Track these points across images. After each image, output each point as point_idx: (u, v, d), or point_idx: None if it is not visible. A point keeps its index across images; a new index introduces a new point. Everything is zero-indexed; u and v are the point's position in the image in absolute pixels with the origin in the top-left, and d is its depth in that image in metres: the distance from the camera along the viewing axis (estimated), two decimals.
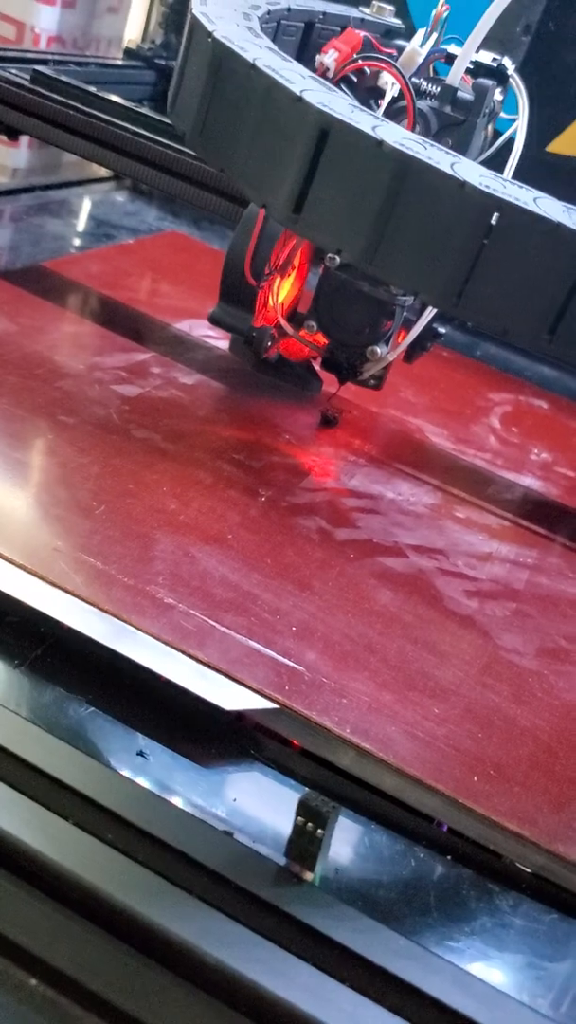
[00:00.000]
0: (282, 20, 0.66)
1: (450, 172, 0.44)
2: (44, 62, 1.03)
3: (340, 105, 0.47)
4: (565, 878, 0.46)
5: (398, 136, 0.46)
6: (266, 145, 0.49)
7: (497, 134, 0.79)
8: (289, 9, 0.66)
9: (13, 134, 0.90)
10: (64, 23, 1.33)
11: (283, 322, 0.73)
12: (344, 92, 0.61)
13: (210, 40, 0.52)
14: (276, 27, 0.65)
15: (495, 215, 0.44)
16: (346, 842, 0.46)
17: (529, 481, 0.83)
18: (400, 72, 0.65)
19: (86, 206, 1.21)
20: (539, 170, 1.23)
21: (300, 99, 0.47)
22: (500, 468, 0.84)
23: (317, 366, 0.79)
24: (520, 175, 1.20)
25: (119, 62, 1.28)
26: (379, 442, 0.81)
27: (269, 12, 0.63)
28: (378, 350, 0.71)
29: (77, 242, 1.08)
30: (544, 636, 0.63)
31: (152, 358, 0.81)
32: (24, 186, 1.20)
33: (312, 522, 0.66)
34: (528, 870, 0.47)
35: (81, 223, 1.15)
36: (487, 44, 1.08)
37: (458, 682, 0.55)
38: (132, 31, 1.45)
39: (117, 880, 0.40)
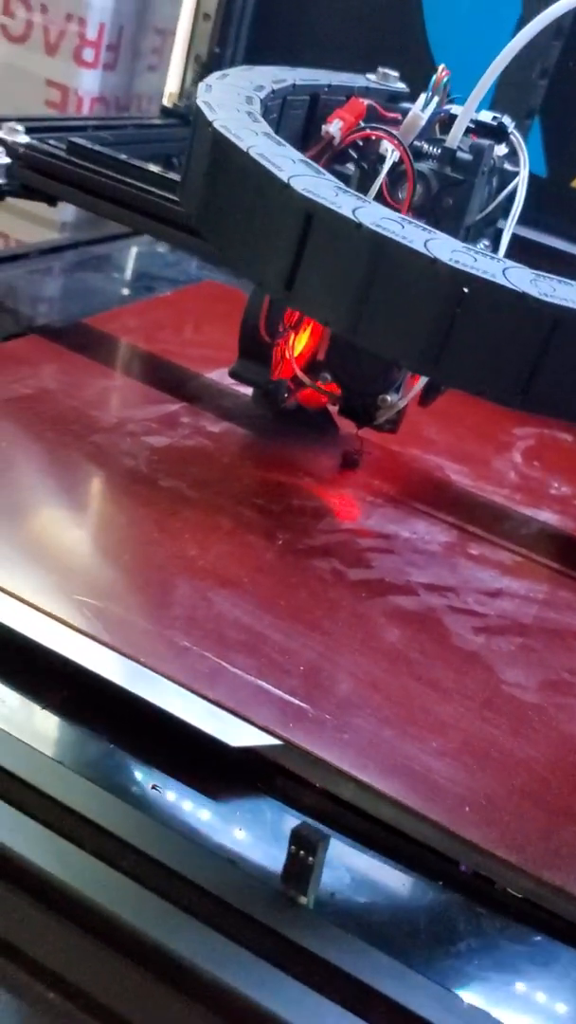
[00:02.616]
0: (288, 96, 0.71)
1: (422, 250, 0.48)
2: (83, 128, 1.09)
3: (325, 190, 0.52)
4: (552, 902, 0.49)
5: (377, 217, 0.50)
6: (259, 227, 0.53)
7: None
8: (294, 85, 0.71)
9: (52, 201, 0.97)
10: (106, 84, 1.40)
11: (299, 374, 0.77)
12: (334, 169, 0.66)
13: (210, 129, 0.57)
14: (282, 103, 0.70)
15: (465, 288, 0.48)
16: (344, 868, 0.50)
17: (547, 516, 0.86)
18: (398, 139, 0.69)
19: (128, 259, 1.27)
20: (565, 205, 1.27)
21: (287, 185, 0.51)
22: (518, 504, 0.87)
23: (335, 413, 0.83)
24: (547, 212, 1.23)
25: (156, 121, 1.34)
26: (398, 482, 0.85)
27: (274, 91, 0.68)
28: (389, 398, 0.75)
29: (117, 296, 1.14)
30: (548, 669, 0.65)
31: (182, 408, 0.86)
32: (69, 242, 1.26)
33: (327, 563, 0.70)
34: (518, 895, 0.50)
35: (122, 277, 1.22)
36: (503, 91, 1.12)
37: (458, 716, 0.59)
38: (173, 84, 1.52)
39: (127, 903, 0.44)
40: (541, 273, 0.50)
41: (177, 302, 1.13)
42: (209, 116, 0.57)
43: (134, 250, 1.30)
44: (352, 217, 0.50)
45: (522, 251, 1.17)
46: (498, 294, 0.48)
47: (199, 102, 0.60)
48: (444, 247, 0.49)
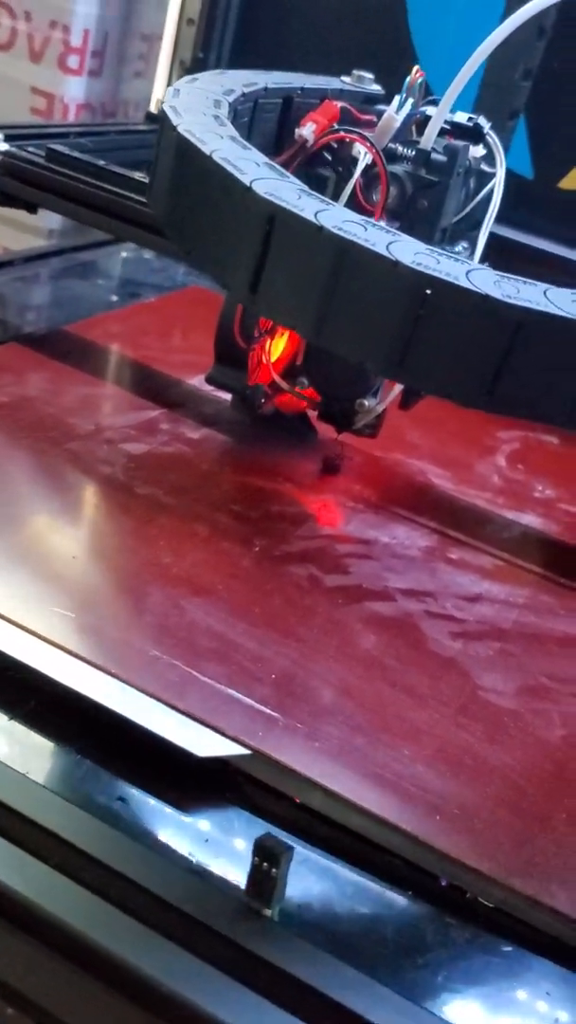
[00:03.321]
0: (259, 99, 0.70)
1: (384, 253, 0.48)
2: (64, 135, 1.09)
3: (287, 193, 0.51)
4: (523, 911, 0.49)
5: (339, 220, 0.50)
6: (224, 231, 0.53)
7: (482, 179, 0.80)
8: (266, 88, 0.71)
9: (32, 208, 0.96)
10: (92, 91, 1.40)
11: (277, 379, 0.76)
12: (314, 172, 0.65)
13: (174, 133, 0.56)
14: (253, 107, 0.70)
15: (428, 290, 0.48)
16: (313, 878, 0.49)
17: (529, 519, 0.85)
18: (371, 142, 0.69)
19: (113, 265, 1.27)
20: (552, 207, 1.26)
21: (249, 189, 0.51)
22: (500, 507, 0.86)
23: (314, 418, 0.82)
24: (533, 213, 1.23)
25: (141, 127, 1.34)
26: (379, 487, 0.84)
27: (244, 95, 0.67)
28: (367, 403, 0.74)
29: (102, 303, 1.13)
30: (526, 674, 0.65)
31: (162, 414, 0.86)
32: (55, 249, 1.26)
33: (303, 570, 0.69)
34: (489, 904, 0.49)
35: (107, 283, 1.21)
36: (486, 92, 1.11)
37: (432, 723, 0.58)
38: (160, 90, 1.52)
39: (88, 917, 0.44)
40: (505, 275, 0.50)
41: (161, 308, 1.13)
42: (174, 120, 0.57)
43: (120, 256, 1.29)
44: (314, 220, 0.49)
45: (509, 254, 1.17)
46: (461, 296, 0.47)
47: (165, 106, 0.59)
48: (407, 249, 0.49)
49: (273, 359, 0.77)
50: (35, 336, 0.97)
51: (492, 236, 0.79)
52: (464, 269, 0.48)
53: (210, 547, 0.69)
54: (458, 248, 0.78)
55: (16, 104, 1.38)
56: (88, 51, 1.35)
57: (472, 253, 0.77)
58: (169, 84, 1.42)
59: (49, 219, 1.38)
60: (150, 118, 1.37)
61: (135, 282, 1.21)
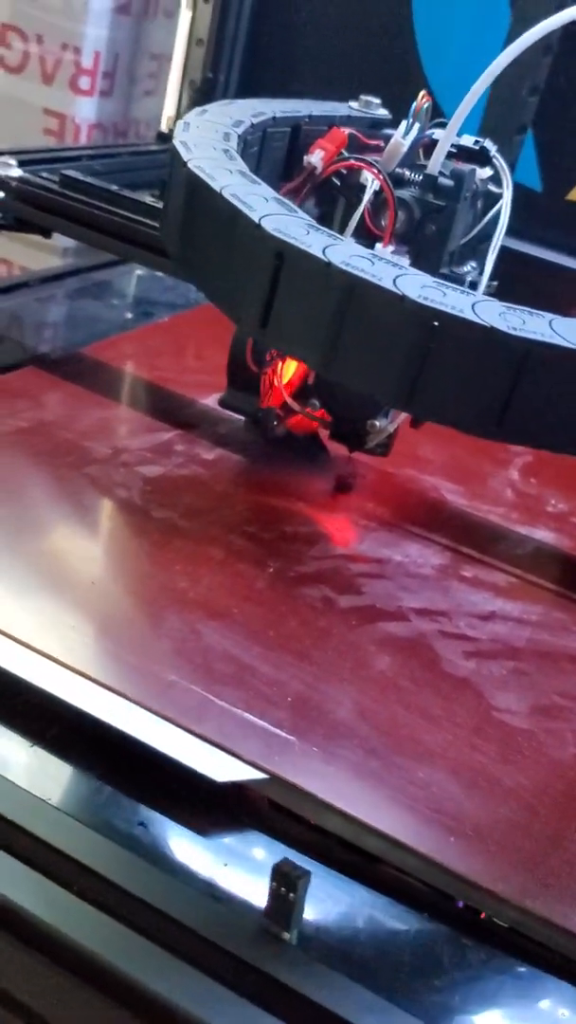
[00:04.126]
0: (268, 128, 0.71)
1: (391, 288, 0.49)
2: (77, 159, 1.10)
3: (295, 229, 0.52)
4: (537, 932, 0.49)
5: (346, 255, 0.51)
6: (234, 267, 0.54)
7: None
8: (274, 118, 0.72)
9: (47, 233, 0.98)
10: (103, 111, 1.41)
11: (289, 401, 0.77)
12: (316, 197, 0.66)
13: (185, 169, 0.57)
14: (263, 136, 0.71)
15: (435, 323, 0.49)
16: (331, 901, 0.50)
17: (542, 534, 0.86)
18: (378, 168, 0.70)
19: (127, 285, 1.28)
20: (561, 219, 1.27)
21: (258, 225, 0.52)
22: (513, 523, 0.87)
23: (326, 438, 0.83)
24: (544, 226, 1.23)
25: (152, 147, 1.35)
26: (392, 504, 0.85)
27: (253, 125, 0.68)
28: (378, 423, 0.75)
29: (116, 323, 1.15)
30: (539, 693, 0.66)
31: (177, 436, 0.87)
32: (70, 269, 1.28)
33: (317, 591, 0.70)
34: (504, 924, 0.50)
35: (121, 303, 1.23)
36: (493, 108, 1.12)
37: (446, 745, 0.59)
38: (170, 109, 1.53)
39: (109, 942, 0.45)
40: (511, 306, 0.51)
41: (174, 328, 1.14)
42: (184, 156, 0.58)
43: (134, 275, 1.31)
44: (322, 256, 0.50)
45: (522, 267, 1.18)
46: (467, 329, 0.48)
47: (176, 142, 0.60)
48: (413, 283, 0.50)
49: (285, 381, 0.78)
50: (50, 359, 0.99)
51: (501, 249, 0.80)
52: (470, 301, 0.49)
53: (225, 570, 0.70)
54: (466, 268, 0.78)
55: (29, 125, 1.40)
56: (99, 72, 1.37)
57: (481, 273, 0.78)
58: (179, 103, 1.43)
59: (64, 239, 1.39)
60: (160, 137, 1.39)
61: (149, 301, 1.23)
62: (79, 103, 1.37)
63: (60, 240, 1.40)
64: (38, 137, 1.39)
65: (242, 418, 0.89)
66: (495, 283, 0.79)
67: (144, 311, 1.20)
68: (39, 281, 1.21)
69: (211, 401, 0.94)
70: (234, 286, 0.55)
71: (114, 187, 0.94)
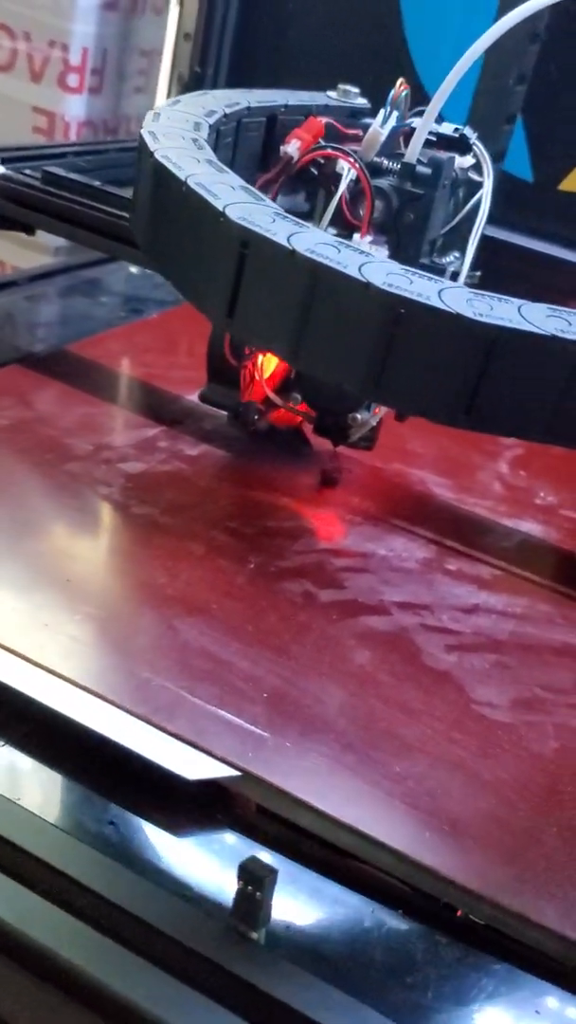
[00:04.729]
0: (243, 119, 0.71)
1: (356, 275, 0.48)
2: (62, 155, 1.10)
3: (261, 217, 0.52)
4: (512, 928, 0.49)
5: (312, 243, 0.50)
6: (200, 256, 0.53)
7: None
8: (249, 108, 0.71)
9: (30, 230, 0.97)
10: (92, 108, 1.41)
11: (271, 395, 0.77)
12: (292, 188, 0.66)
13: (151, 159, 0.57)
14: (237, 126, 0.70)
15: (401, 310, 0.48)
16: (303, 898, 0.49)
17: (529, 527, 0.85)
18: (354, 157, 0.69)
19: (116, 282, 1.27)
20: (554, 208, 1.26)
21: (223, 214, 0.51)
22: (500, 515, 0.86)
23: (309, 432, 0.83)
24: (537, 215, 1.22)
25: None
26: (378, 498, 0.84)
27: (226, 115, 0.68)
28: (360, 416, 0.74)
29: (104, 320, 1.14)
30: (521, 687, 0.65)
31: (161, 432, 0.86)
32: (60, 267, 1.27)
33: (298, 586, 0.70)
34: (480, 921, 0.49)
35: (110, 300, 1.22)
36: (481, 98, 1.11)
37: (425, 739, 0.58)
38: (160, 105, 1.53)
39: (74, 943, 0.44)
40: (479, 292, 0.50)
41: (162, 324, 1.14)
42: (151, 146, 0.58)
43: (124, 272, 1.30)
44: (286, 244, 0.49)
45: (513, 258, 1.17)
46: (433, 316, 0.47)
47: (143, 132, 0.60)
48: (379, 271, 0.49)
49: (266, 375, 0.77)
50: (38, 356, 0.98)
51: (493, 240, 0.79)
52: (437, 288, 0.49)
53: (205, 565, 0.69)
54: (449, 258, 0.78)
55: (18, 124, 1.39)
56: (87, 69, 1.37)
57: (463, 262, 0.77)
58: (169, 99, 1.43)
59: (54, 237, 1.39)
60: None
61: (138, 298, 1.22)
62: (68, 101, 1.37)
63: (51, 239, 1.40)
64: (27, 135, 1.39)
65: (226, 414, 0.88)
66: (478, 273, 0.79)
67: (133, 308, 1.19)
68: (28, 279, 1.21)
69: (197, 397, 0.94)
70: (201, 276, 0.54)
71: (96, 183, 0.93)
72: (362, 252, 0.51)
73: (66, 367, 0.96)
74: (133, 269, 1.32)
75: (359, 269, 0.48)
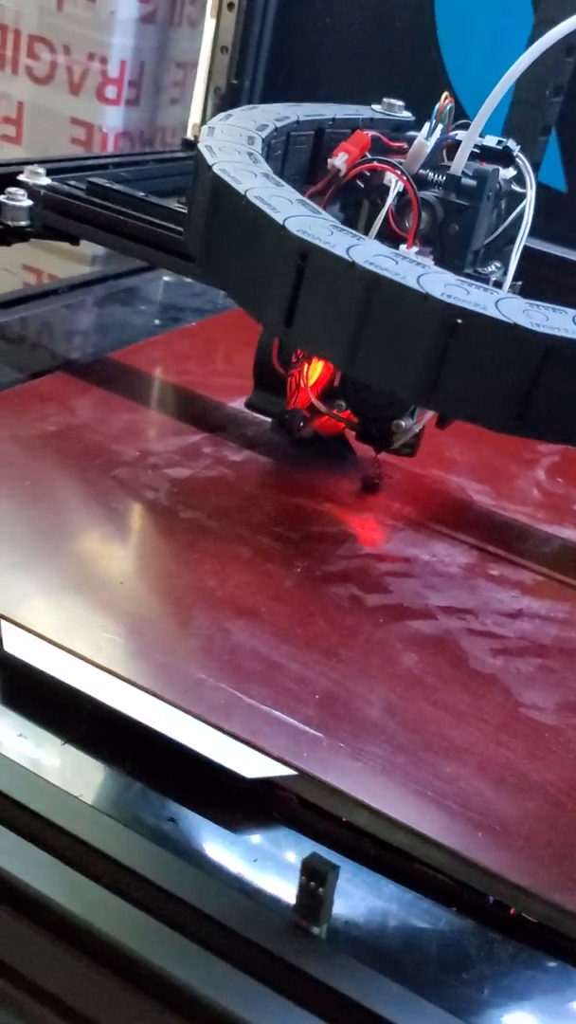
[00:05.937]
0: (292, 132, 0.72)
1: (415, 286, 0.49)
2: (104, 167, 1.12)
3: (319, 229, 0.53)
4: (565, 926, 0.50)
5: (370, 255, 0.51)
6: (258, 268, 0.55)
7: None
8: (298, 121, 0.72)
9: (75, 240, 0.99)
10: (129, 120, 1.43)
11: (316, 402, 0.78)
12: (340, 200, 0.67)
13: (209, 173, 0.58)
14: (286, 140, 0.71)
15: (459, 320, 0.49)
16: (359, 896, 0.51)
17: (568, 533, 0.86)
18: (401, 170, 0.71)
19: (154, 291, 1.29)
20: None
21: (283, 227, 0.53)
22: (539, 521, 0.87)
23: (353, 439, 0.84)
24: (570, 224, 1.23)
25: (178, 154, 1.36)
26: (419, 504, 0.85)
27: (277, 129, 0.69)
28: (403, 423, 0.75)
29: (143, 328, 1.16)
30: (567, 690, 0.66)
31: (205, 438, 0.88)
32: (98, 276, 1.29)
33: (344, 590, 0.71)
34: (532, 919, 0.50)
35: (149, 309, 1.24)
36: (517, 109, 1.12)
37: (473, 741, 0.59)
38: (195, 116, 1.55)
39: (140, 935, 0.45)
40: (535, 303, 0.51)
41: (202, 332, 1.15)
42: (209, 160, 0.59)
43: (161, 281, 1.32)
44: (346, 256, 0.51)
45: (543, 267, 1.17)
46: (490, 326, 0.49)
47: (200, 146, 0.61)
48: (437, 281, 0.50)
49: (311, 382, 0.78)
50: (79, 364, 1.00)
51: (527, 249, 0.80)
52: (493, 299, 0.50)
53: (253, 569, 0.71)
54: (491, 268, 0.79)
55: (57, 135, 1.41)
56: (125, 81, 1.39)
57: (505, 273, 0.78)
58: (204, 110, 1.45)
59: (92, 247, 1.41)
60: (186, 144, 1.40)
61: (176, 307, 1.24)
62: (106, 112, 1.39)
63: (88, 248, 1.42)
64: (66, 146, 1.41)
65: (269, 420, 0.89)
66: (519, 283, 0.80)
67: (172, 316, 1.21)
68: (68, 288, 1.23)
69: (239, 404, 0.95)
70: (259, 287, 0.55)
71: (140, 194, 0.95)
72: (419, 264, 0.52)
73: (108, 374, 0.98)
74: (167, 278, 1.33)
75: (417, 280, 0.50)
